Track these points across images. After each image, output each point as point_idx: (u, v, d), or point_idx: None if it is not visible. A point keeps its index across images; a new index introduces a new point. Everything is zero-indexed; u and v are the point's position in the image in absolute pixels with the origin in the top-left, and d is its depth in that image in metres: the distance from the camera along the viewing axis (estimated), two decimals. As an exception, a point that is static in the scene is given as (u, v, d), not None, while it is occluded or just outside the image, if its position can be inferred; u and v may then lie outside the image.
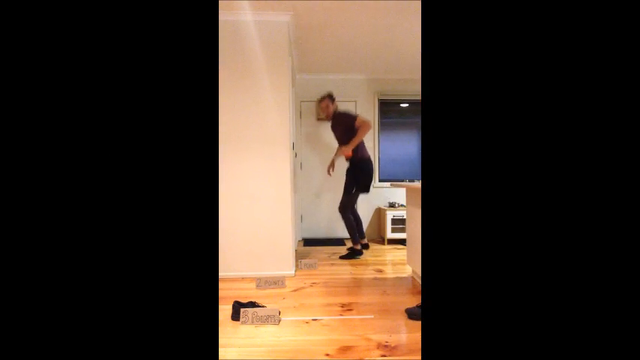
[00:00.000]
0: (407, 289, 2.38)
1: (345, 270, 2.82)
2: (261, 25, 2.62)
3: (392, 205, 4.07)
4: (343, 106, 4.19)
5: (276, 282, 2.42)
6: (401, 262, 3.13)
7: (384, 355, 1.48)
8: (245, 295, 2.25)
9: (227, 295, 2.25)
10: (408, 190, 2.59)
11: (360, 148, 3.14)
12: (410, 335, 1.67)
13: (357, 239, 3.21)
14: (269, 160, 2.67)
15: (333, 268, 2.90)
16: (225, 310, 1.98)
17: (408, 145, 4.36)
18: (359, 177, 3.12)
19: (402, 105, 4.36)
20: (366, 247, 3.31)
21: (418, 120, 4.38)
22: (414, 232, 2.51)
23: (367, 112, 4.25)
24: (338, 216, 4.27)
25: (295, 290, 2.36)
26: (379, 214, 4.25)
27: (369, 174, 3.13)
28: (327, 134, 4.17)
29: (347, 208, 3.16)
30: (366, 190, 3.16)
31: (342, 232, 4.20)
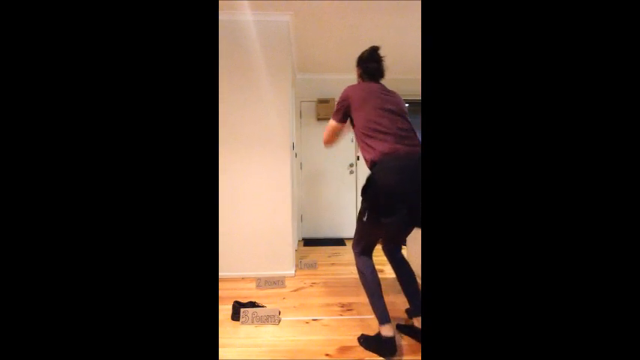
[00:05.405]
0: (407, 289, 2.38)
1: (345, 270, 2.82)
2: (261, 24, 2.62)
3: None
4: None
5: (276, 282, 2.42)
6: (401, 262, 3.13)
7: (384, 355, 1.48)
8: (245, 295, 2.25)
9: (227, 295, 2.24)
10: (408, 190, 2.58)
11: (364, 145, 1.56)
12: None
13: (379, 311, 1.50)
14: (269, 160, 2.66)
15: (333, 268, 2.90)
16: (225, 310, 1.98)
17: (408, 145, 4.35)
18: (364, 190, 1.50)
19: (402, 105, 4.35)
20: (387, 344, 1.45)
21: (418, 120, 4.38)
22: (414, 232, 2.50)
23: (367, 112, 4.23)
24: (338, 216, 4.28)
25: (295, 290, 2.36)
26: (379, 214, 4.23)
27: (375, 185, 1.43)
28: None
29: (356, 246, 1.61)
30: (377, 214, 1.42)
31: (342, 231, 4.18)
